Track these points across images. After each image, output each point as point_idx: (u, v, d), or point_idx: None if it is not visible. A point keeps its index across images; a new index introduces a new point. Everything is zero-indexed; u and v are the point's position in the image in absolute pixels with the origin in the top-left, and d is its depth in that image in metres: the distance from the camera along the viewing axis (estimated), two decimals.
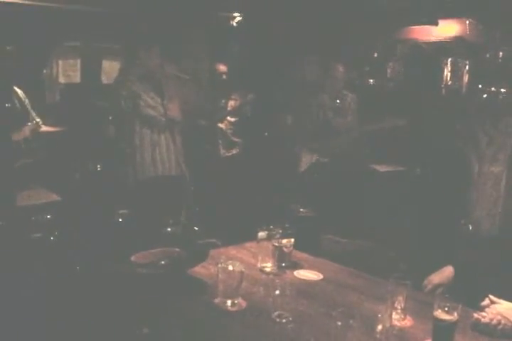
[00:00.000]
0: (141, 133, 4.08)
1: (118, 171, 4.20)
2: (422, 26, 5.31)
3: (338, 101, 4.83)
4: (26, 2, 4.85)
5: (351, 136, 4.80)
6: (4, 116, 4.04)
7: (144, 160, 4.08)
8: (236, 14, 6.07)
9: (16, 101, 4.30)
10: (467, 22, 4.92)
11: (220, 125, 5.26)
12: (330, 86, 4.84)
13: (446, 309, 1.80)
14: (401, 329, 1.91)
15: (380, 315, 1.80)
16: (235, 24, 6.12)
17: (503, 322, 1.87)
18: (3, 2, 4.72)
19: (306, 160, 4.85)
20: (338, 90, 4.85)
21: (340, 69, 4.80)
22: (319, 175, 4.70)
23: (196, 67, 5.65)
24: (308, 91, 5.15)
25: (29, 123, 4.25)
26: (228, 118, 5.28)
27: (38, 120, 4.34)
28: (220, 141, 5.27)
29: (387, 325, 1.81)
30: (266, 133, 5.70)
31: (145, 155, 4.09)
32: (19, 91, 4.35)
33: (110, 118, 4.41)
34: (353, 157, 4.73)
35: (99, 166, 4.57)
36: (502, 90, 4.13)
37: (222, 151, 5.26)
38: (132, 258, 2.27)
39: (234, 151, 5.32)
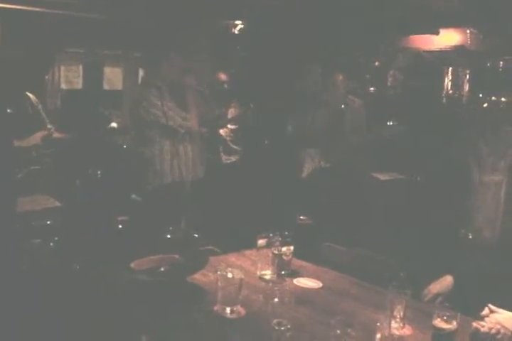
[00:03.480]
0: (160, 143, 4.07)
1: (122, 179, 4.20)
2: (423, 35, 5.33)
3: (343, 106, 4.82)
4: (29, 8, 4.87)
5: (355, 142, 4.79)
6: (7, 122, 4.03)
7: (161, 168, 4.09)
8: (238, 22, 6.10)
9: (29, 107, 4.29)
10: (468, 31, 4.95)
11: (221, 132, 5.27)
12: (332, 93, 4.83)
13: (445, 318, 1.80)
14: (400, 338, 1.91)
15: (379, 324, 1.80)
16: (236, 32, 6.14)
17: (502, 331, 1.87)
18: (7, 8, 4.74)
19: (308, 165, 4.85)
20: (342, 96, 4.83)
21: (340, 77, 4.80)
22: (320, 182, 4.70)
23: (199, 75, 5.66)
24: (310, 98, 5.16)
25: (41, 131, 4.24)
26: (228, 125, 5.29)
27: (50, 126, 4.33)
28: (221, 148, 5.28)
29: (386, 333, 1.80)
30: (266, 141, 5.71)
31: (163, 163, 4.09)
32: (32, 96, 4.32)
33: (114, 124, 4.41)
34: (354, 165, 4.73)
35: (99, 172, 4.58)
36: (502, 99, 4.14)
37: (223, 158, 5.27)
38: (132, 265, 2.27)
39: (233, 158, 5.32)
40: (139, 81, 5.94)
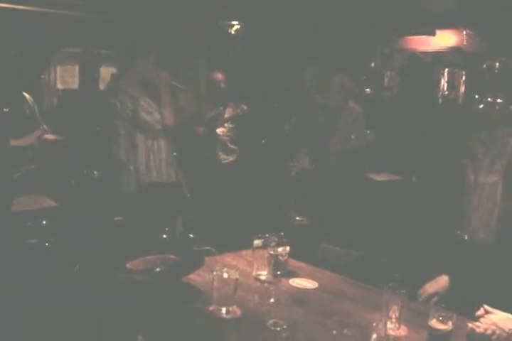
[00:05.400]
0: (135, 140, 4.06)
1: (114, 178, 4.17)
2: (419, 36, 5.35)
3: (340, 111, 4.80)
4: (26, 8, 4.86)
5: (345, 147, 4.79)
6: (4, 122, 4.04)
7: (138, 167, 4.07)
8: (235, 22, 6.10)
9: (26, 107, 4.30)
10: (464, 33, 4.97)
11: (218, 132, 5.27)
12: (328, 96, 4.81)
13: (441, 318, 1.80)
14: (396, 339, 1.90)
15: (374, 324, 1.80)
16: (233, 32, 6.15)
17: (497, 332, 1.87)
18: (2, 8, 4.73)
19: (301, 165, 4.85)
20: (339, 100, 4.79)
21: (338, 81, 4.77)
22: (316, 183, 4.70)
23: (194, 74, 5.67)
24: (307, 99, 5.16)
25: (38, 130, 4.26)
26: (226, 125, 5.29)
27: (44, 127, 4.35)
28: (219, 148, 5.28)
29: (382, 334, 1.80)
30: (263, 141, 5.71)
31: (140, 162, 4.07)
32: (28, 97, 4.35)
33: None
34: (349, 165, 4.73)
35: (95, 172, 4.56)
36: (498, 100, 4.15)
37: (221, 157, 5.27)
38: (128, 265, 2.27)
39: (231, 158, 5.32)
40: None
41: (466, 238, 3.09)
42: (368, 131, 5.04)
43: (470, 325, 1.91)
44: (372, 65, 5.72)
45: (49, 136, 4.37)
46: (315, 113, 4.86)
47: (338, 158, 4.72)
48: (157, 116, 4.05)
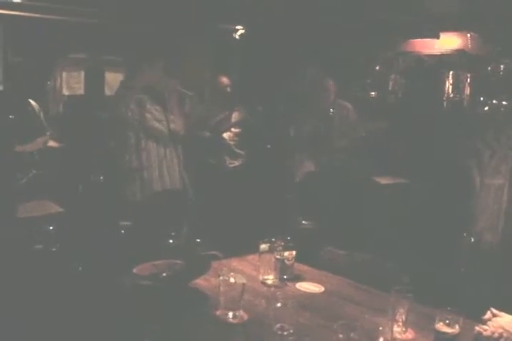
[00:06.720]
0: (147, 147, 4.07)
1: (123, 185, 4.18)
2: (423, 39, 5.34)
3: (331, 110, 4.88)
4: (32, 15, 4.89)
5: (343, 145, 4.84)
6: (9, 128, 4.07)
7: (150, 174, 4.08)
8: (239, 27, 6.12)
9: (31, 113, 4.35)
10: (468, 35, 4.96)
11: (224, 136, 5.28)
12: (321, 97, 4.92)
13: (447, 322, 1.80)
14: None
15: (381, 328, 1.80)
16: (237, 37, 6.16)
17: (504, 335, 1.87)
18: (10, 15, 4.77)
19: (305, 169, 4.87)
20: (331, 100, 4.90)
21: (330, 81, 4.88)
22: (321, 186, 4.70)
23: (199, 79, 5.67)
24: (307, 102, 5.19)
25: (43, 136, 4.31)
26: (232, 129, 5.30)
27: (48, 133, 4.40)
28: (225, 152, 5.29)
29: (389, 337, 1.80)
30: (268, 146, 5.71)
31: (152, 169, 4.08)
32: (34, 103, 4.40)
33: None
34: (354, 169, 4.73)
35: (101, 177, 4.58)
36: (503, 103, 4.13)
37: (227, 162, 5.28)
38: (134, 270, 2.27)
39: (237, 163, 5.33)
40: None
41: (472, 240, 3.08)
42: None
43: (477, 328, 1.91)
44: (377, 68, 5.72)
45: (52, 144, 4.42)
46: (313, 115, 4.92)
47: (343, 160, 4.74)
48: (166, 123, 4.07)
